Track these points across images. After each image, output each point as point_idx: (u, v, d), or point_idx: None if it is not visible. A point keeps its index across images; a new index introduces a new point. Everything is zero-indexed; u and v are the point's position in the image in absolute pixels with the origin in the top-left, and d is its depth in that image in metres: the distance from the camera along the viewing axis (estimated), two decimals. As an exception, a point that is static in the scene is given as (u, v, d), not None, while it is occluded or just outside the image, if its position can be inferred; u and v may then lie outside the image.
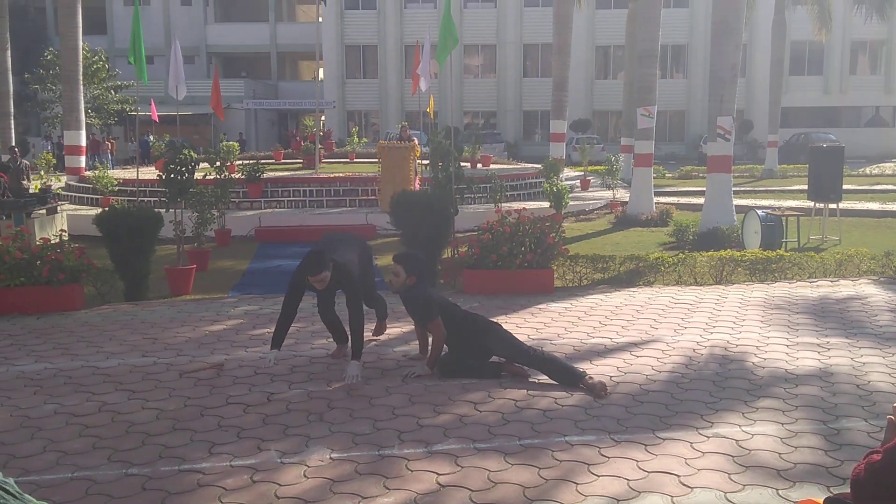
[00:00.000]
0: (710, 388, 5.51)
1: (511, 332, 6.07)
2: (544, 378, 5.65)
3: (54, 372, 5.94)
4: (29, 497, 1.35)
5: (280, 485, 3.96)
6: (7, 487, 1.32)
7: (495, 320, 6.17)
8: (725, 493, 3.86)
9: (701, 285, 9.33)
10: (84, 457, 4.32)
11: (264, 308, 8.17)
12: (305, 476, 4.07)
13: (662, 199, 18.35)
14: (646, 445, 4.47)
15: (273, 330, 5.82)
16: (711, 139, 13.78)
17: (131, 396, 5.34)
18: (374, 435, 4.64)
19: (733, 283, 9.42)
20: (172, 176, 9.67)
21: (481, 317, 6.08)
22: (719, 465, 4.19)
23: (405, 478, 4.04)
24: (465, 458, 4.29)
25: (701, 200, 17.07)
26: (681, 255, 10.17)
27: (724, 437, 4.58)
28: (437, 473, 4.08)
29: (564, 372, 5.63)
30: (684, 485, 3.95)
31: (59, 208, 13.70)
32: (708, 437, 4.59)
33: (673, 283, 9.41)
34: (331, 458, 4.30)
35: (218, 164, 13.08)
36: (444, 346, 5.81)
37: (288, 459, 4.28)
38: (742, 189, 22.27)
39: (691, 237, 12.89)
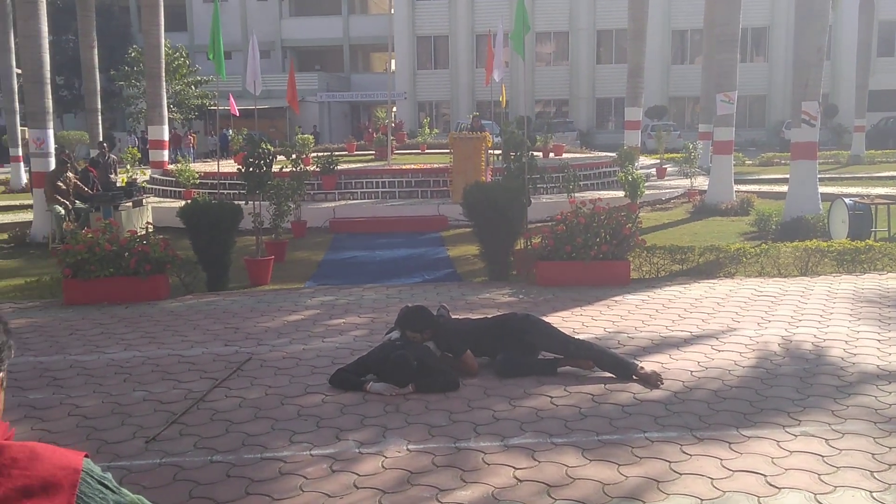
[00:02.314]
0: (796, 384, 5.32)
1: (552, 324, 5.97)
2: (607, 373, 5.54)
3: (142, 360, 6.16)
4: (126, 491, 1.38)
5: (359, 475, 4.01)
6: (106, 482, 1.35)
7: (535, 315, 6.10)
8: (815, 494, 3.72)
9: (785, 277, 9.01)
10: (171, 444, 4.46)
11: (340, 298, 8.28)
12: (383, 467, 4.10)
13: (743, 188, 17.79)
14: (730, 443, 4.34)
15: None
16: (795, 125, 13.27)
17: (215, 385, 5.48)
18: (450, 427, 4.64)
19: (819, 275, 9.06)
20: (251, 169, 9.87)
21: (515, 314, 6.01)
22: (808, 465, 4.03)
23: (482, 471, 4.03)
24: (542, 452, 4.25)
25: (783, 188, 16.49)
26: (763, 245, 9.85)
27: (813, 436, 4.41)
28: (513, 467, 4.06)
29: (616, 363, 5.53)
30: (771, 485, 3.82)
31: (144, 201, 14.21)
32: (795, 436, 4.43)
33: (755, 275, 9.11)
34: (408, 449, 4.33)
35: (294, 156, 13.32)
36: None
37: (366, 450, 4.33)
38: (827, 176, 21.37)
39: (774, 227, 12.46)
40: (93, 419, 4.88)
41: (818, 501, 3.64)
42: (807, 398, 5.04)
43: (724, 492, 3.75)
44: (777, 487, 3.79)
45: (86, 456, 1.37)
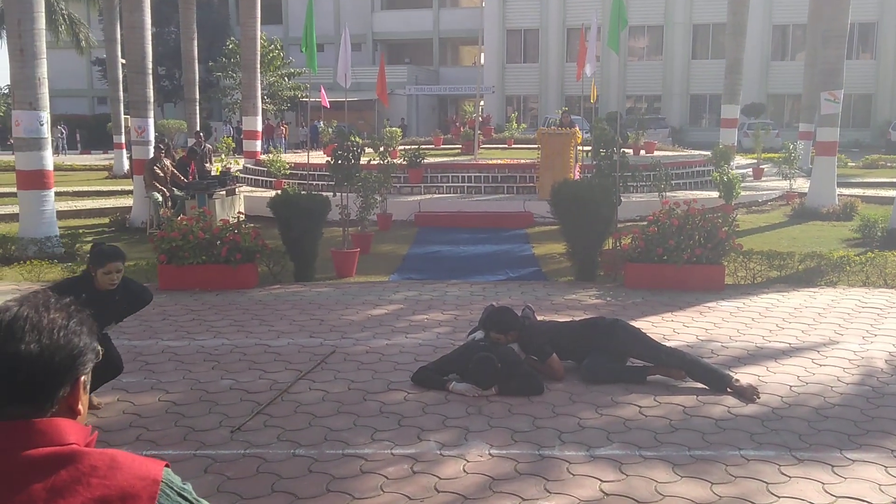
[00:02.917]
0: (907, 405, 4.97)
1: (642, 330, 5.76)
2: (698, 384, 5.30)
3: (230, 348, 6.27)
4: (205, 502, 1.34)
5: (440, 478, 3.94)
6: (186, 494, 1.31)
7: (624, 319, 5.89)
8: (929, 529, 3.44)
9: (892, 288, 8.48)
10: (256, 434, 4.50)
11: (423, 294, 8.26)
12: (465, 471, 4.02)
13: (845, 191, 16.92)
14: (833, 466, 4.07)
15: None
16: (908, 126, 12.47)
17: (299, 376, 5.52)
18: (533, 433, 4.52)
19: (931, 287, 8.50)
20: (340, 162, 9.96)
21: (603, 318, 5.83)
22: (921, 496, 3.75)
23: (566, 482, 3.90)
24: (630, 465, 4.09)
25: (890, 193, 15.61)
26: (870, 253, 9.31)
27: (927, 464, 4.10)
28: (600, 480, 3.91)
29: (710, 374, 5.27)
30: (879, 516, 3.56)
31: (237, 190, 14.56)
32: (907, 463, 4.13)
33: (859, 285, 8.61)
34: (490, 454, 4.23)
35: (381, 149, 13.39)
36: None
37: (447, 452, 4.26)
38: (939, 181, 20.12)
39: (880, 234, 11.75)
40: (181, 405, 4.98)
41: (934, 538, 3.37)
42: (919, 421, 4.70)
43: (828, 520, 3.52)
44: (886, 519, 3.53)
45: (166, 465, 1.33)
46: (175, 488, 1.31)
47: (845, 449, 4.30)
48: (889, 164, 25.53)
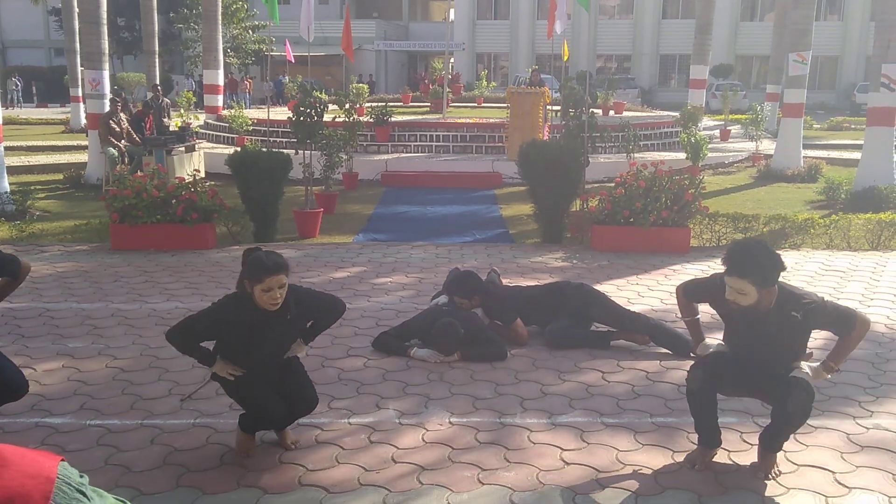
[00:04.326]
0: (868, 370, 4.96)
1: (607, 294, 5.69)
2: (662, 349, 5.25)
3: (184, 311, 6.02)
4: (107, 494, 1.20)
5: (398, 448, 3.83)
6: (84, 490, 1.17)
7: (588, 283, 5.80)
8: (889, 497, 3.41)
9: (855, 251, 8.51)
10: (207, 403, 4.34)
11: (388, 256, 8.09)
12: (424, 441, 3.91)
13: (810, 153, 16.98)
14: (794, 433, 4.03)
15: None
16: (874, 89, 12.47)
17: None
18: (495, 400, 4.43)
19: (892, 250, 8.54)
20: (302, 118, 9.67)
21: (568, 283, 5.73)
22: (882, 464, 3.72)
23: (527, 450, 3.81)
24: (592, 433, 4.01)
25: (854, 155, 15.70)
26: (833, 216, 9.32)
27: (888, 430, 4.08)
28: (560, 448, 3.83)
29: (673, 339, 5.23)
30: (840, 483, 3.53)
31: (196, 146, 14.17)
32: (868, 429, 4.11)
33: (823, 247, 8.63)
34: (450, 422, 4.13)
35: (347, 106, 13.05)
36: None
37: (406, 420, 4.14)
38: (903, 144, 20.27)
39: (844, 196, 11.81)
40: (130, 372, 4.78)
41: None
42: (879, 387, 4.70)
43: (789, 489, 3.48)
44: (847, 487, 3.50)
45: (62, 460, 1.18)
46: (73, 485, 1.17)
47: (807, 415, 4.26)
48: (853, 127, 25.73)
